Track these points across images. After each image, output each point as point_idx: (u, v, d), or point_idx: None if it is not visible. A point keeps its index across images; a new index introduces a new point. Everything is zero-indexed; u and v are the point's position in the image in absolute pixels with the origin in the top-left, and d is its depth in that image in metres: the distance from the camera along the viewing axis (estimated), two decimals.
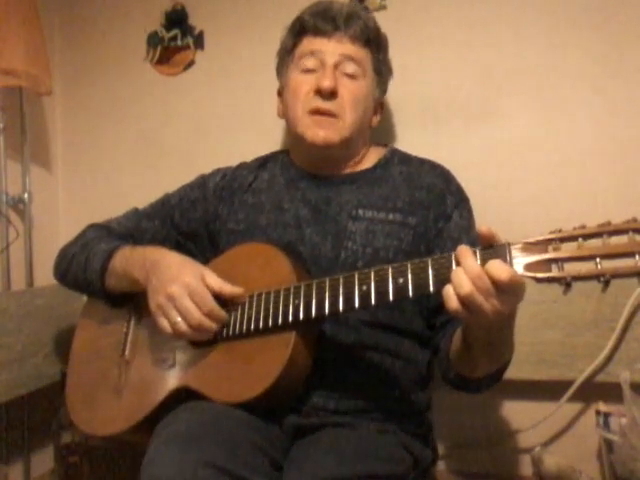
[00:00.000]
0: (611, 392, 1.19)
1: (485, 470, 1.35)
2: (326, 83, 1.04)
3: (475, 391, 0.95)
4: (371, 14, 1.18)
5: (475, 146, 1.35)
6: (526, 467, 1.33)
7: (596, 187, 1.27)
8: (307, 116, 1.06)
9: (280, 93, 1.18)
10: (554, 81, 1.30)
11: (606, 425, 1.18)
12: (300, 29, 1.12)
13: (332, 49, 1.07)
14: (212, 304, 0.93)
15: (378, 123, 1.19)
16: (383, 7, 1.40)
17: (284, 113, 1.15)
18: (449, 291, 0.73)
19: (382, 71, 1.15)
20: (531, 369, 1.23)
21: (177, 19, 1.58)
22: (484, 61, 1.34)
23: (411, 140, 1.37)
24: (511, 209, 1.31)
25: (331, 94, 1.05)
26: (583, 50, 1.28)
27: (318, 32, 1.09)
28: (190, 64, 1.58)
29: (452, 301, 0.73)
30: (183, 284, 0.93)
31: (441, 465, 1.37)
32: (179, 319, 0.93)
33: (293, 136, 1.13)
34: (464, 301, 0.71)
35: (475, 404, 1.34)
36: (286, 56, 1.15)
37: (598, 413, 1.20)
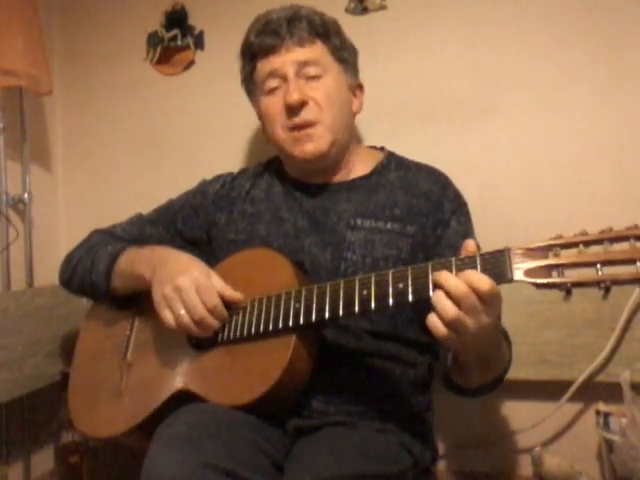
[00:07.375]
0: (611, 392, 1.19)
1: (485, 470, 1.35)
2: (290, 98, 1.02)
3: (473, 396, 0.96)
4: (311, 7, 1.11)
5: (475, 146, 1.35)
6: (526, 467, 1.32)
7: (596, 187, 1.27)
8: (288, 134, 1.05)
9: (260, 118, 1.16)
10: (554, 81, 1.30)
11: (606, 425, 1.18)
12: (251, 54, 1.10)
13: (284, 61, 1.05)
14: (217, 301, 0.94)
15: (361, 106, 1.15)
16: (383, 7, 1.40)
17: (267, 138, 1.13)
18: (433, 319, 0.73)
19: (344, 56, 1.10)
20: (531, 369, 1.24)
21: (177, 19, 1.58)
22: (484, 61, 1.34)
23: (410, 140, 1.37)
24: (511, 209, 1.31)
25: (301, 105, 1.03)
26: (583, 50, 1.28)
27: (267, 51, 1.07)
28: (190, 64, 1.58)
29: (439, 328, 0.73)
30: (192, 277, 0.94)
31: (441, 465, 1.37)
32: (182, 312, 0.93)
33: (282, 155, 1.13)
34: (451, 325, 0.72)
35: (475, 404, 1.33)
36: (249, 84, 1.14)
37: (598, 413, 1.20)
